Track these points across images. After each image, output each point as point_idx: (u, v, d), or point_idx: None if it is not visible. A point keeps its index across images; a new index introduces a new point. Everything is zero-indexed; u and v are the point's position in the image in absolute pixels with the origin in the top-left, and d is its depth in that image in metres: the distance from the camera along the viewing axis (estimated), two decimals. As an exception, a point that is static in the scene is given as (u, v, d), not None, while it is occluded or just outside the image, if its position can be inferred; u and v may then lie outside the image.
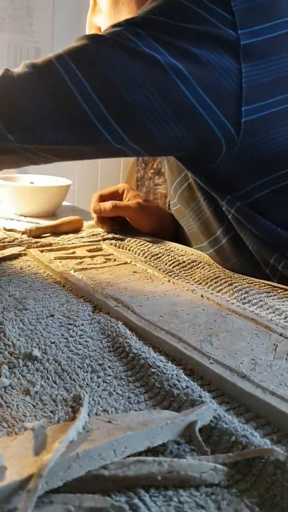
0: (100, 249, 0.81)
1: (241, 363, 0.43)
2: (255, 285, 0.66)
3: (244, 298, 0.60)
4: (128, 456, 0.30)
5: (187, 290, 0.62)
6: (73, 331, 0.50)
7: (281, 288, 0.65)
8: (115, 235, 0.88)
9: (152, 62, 0.58)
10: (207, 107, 0.60)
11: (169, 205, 0.94)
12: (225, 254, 0.76)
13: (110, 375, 0.42)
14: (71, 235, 0.89)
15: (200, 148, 0.64)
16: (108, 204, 0.90)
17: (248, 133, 0.62)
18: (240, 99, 0.60)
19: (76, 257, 0.75)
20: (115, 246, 0.82)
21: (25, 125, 0.60)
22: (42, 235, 0.89)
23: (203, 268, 0.73)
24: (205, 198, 0.74)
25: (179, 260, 0.75)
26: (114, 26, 0.63)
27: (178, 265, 0.74)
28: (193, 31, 0.60)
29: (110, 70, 0.59)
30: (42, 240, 0.85)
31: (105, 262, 0.74)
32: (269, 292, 0.63)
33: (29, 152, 0.63)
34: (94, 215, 0.94)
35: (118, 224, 0.94)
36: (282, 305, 0.58)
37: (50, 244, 0.82)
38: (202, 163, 0.68)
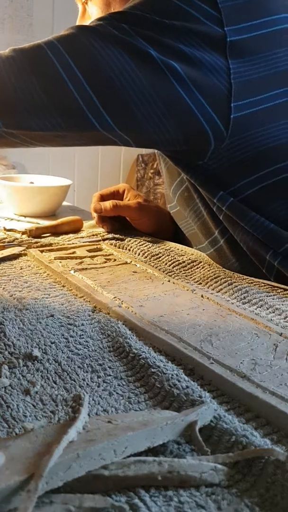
0: (100, 249, 0.81)
1: (241, 363, 0.43)
2: (255, 285, 0.66)
3: (244, 298, 0.60)
4: (128, 456, 0.30)
5: (187, 290, 0.62)
6: (73, 331, 0.50)
7: (281, 288, 0.65)
8: (115, 235, 0.88)
9: (144, 57, 0.59)
10: (198, 102, 0.60)
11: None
12: (224, 254, 0.76)
13: (110, 375, 0.42)
14: (71, 235, 0.89)
15: (188, 143, 0.64)
16: (108, 204, 0.90)
17: (237, 129, 0.62)
18: (230, 96, 0.60)
19: (76, 257, 0.75)
20: (115, 246, 0.82)
21: (14, 111, 0.60)
22: (42, 235, 0.89)
23: (203, 268, 0.73)
24: (201, 199, 0.74)
25: (179, 260, 0.75)
26: (99, 19, 0.63)
27: (178, 265, 0.73)
28: (180, 28, 0.60)
29: (102, 60, 0.59)
30: (42, 240, 0.85)
31: (105, 262, 0.74)
32: (269, 292, 0.63)
33: (15, 137, 0.63)
34: (94, 215, 0.94)
35: (119, 224, 0.94)
36: (282, 305, 0.58)
37: (50, 244, 0.82)
38: (191, 160, 0.68)
